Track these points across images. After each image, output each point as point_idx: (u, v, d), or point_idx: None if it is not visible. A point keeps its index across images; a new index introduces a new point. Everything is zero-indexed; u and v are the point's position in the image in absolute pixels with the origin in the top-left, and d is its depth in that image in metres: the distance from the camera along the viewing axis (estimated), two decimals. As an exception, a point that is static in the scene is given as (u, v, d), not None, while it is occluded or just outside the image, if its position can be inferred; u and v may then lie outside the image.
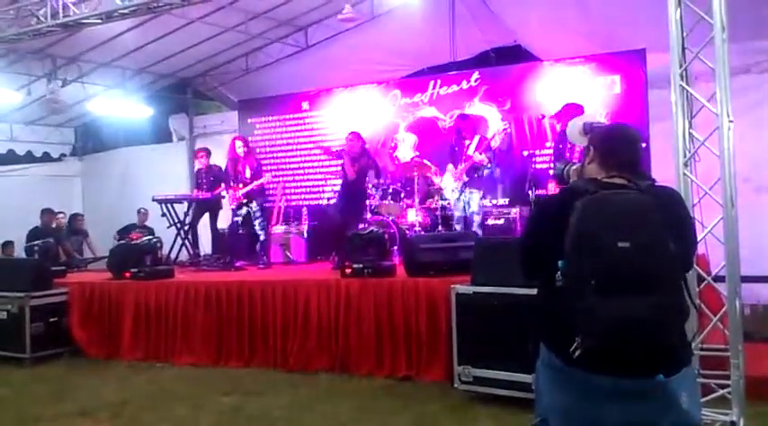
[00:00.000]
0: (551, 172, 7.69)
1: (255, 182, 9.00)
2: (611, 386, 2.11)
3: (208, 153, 9.96)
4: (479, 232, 7.94)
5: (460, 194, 8.20)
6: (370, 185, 8.74)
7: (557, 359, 2.23)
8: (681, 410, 2.13)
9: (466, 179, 8.19)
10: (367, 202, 8.57)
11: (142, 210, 11.03)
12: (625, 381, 2.11)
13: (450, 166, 8.36)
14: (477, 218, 8.17)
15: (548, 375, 2.31)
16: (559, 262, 2.17)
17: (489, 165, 8.26)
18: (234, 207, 9.04)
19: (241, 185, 8.97)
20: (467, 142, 8.31)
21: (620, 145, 2.44)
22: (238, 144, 9.15)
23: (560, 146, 7.41)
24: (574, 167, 2.77)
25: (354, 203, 8.51)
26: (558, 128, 7.69)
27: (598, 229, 2.12)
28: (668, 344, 2.15)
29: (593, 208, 2.17)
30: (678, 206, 2.39)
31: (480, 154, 8.13)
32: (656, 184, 2.34)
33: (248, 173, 9.02)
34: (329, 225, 9.25)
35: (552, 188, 7.12)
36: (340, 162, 8.70)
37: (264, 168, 9.95)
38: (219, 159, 9.67)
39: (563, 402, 2.23)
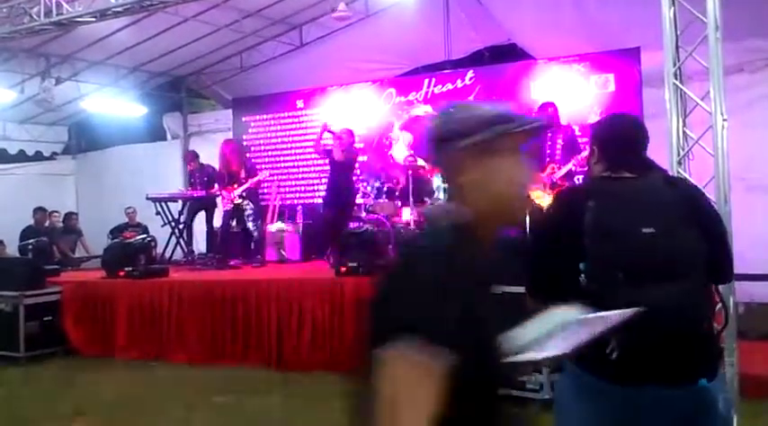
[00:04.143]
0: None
1: (252, 180, 8.97)
2: (652, 398, 1.96)
3: (194, 155, 9.97)
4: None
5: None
6: (366, 185, 8.73)
7: (590, 376, 2.03)
8: (719, 415, 2.03)
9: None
10: (359, 199, 8.55)
11: (129, 209, 10.92)
12: (667, 391, 1.96)
13: None
14: None
15: (574, 392, 2.11)
16: (581, 265, 2.04)
17: None
18: (228, 208, 9.01)
19: (236, 185, 8.94)
20: None
21: (622, 138, 2.29)
22: (228, 147, 9.14)
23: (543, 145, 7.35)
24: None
25: (344, 197, 8.49)
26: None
27: (619, 219, 2.04)
28: (702, 336, 2.03)
29: (610, 200, 2.09)
30: (701, 198, 2.27)
31: None
32: (669, 175, 2.25)
33: (243, 174, 9.01)
34: (320, 221, 9.24)
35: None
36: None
37: (259, 166, 9.95)
38: (214, 157, 9.60)
39: (598, 422, 2.04)
